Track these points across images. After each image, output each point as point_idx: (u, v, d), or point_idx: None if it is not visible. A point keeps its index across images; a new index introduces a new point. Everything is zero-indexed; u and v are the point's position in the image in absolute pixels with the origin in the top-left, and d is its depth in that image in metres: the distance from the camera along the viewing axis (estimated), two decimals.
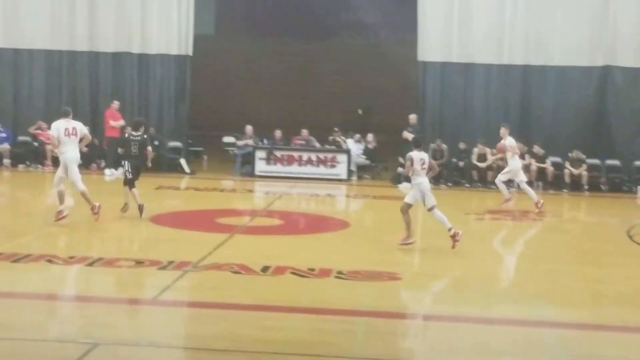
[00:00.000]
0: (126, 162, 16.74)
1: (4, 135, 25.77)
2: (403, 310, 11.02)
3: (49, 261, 12.23)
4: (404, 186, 23.70)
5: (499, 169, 24.17)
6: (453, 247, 13.86)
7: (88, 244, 14.53)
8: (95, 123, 25.43)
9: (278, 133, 26.16)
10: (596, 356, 9.13)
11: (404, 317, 10.63)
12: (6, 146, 25.59)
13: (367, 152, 26.42)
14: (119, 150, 17.25)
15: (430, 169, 14.34)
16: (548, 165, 24.47)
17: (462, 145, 24.94)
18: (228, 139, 27.50)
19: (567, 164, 24.43)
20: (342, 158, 25.48)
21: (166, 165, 25.51)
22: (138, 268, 12.13)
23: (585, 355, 9.14)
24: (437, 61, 25.52)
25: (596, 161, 24.90)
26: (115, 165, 24.52)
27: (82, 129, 16.00)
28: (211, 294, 11.00)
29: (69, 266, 12.17)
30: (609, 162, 25.01)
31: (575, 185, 24.24)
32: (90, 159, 24.66)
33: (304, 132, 26.45)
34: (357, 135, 26.84)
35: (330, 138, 26.57)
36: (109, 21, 26.05)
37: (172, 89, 26.31)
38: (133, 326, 9.69)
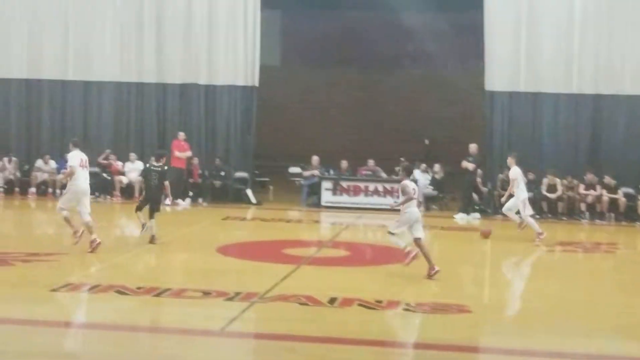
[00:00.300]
0: (144, 192, 17.16)
1: None
2: (473, 343, 10.77)
3: (118, 292, 12.25)
4: (460, 217, 23.44)
5: (570, 199, 23.86)
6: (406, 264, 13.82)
7: (156, 275, 14.55)
8: None
9: (344, 163, 26.10)
10: None
11: (474, 350, 10.39)
12: None
13: (434, 182, 26.15)
14: (140, 178, 17.64)
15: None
16: (620, 196, 23.94)
17: (530, 176, 24.48)
18: (294, 170, 27.54)
19: None
20: None
21: (232, 195, 25.62)
22: (205, 299, 12.10)
23: None
24: (504, 90, 25.28)
25: None
26: (183, 195, 24.76)
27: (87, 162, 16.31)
28: (278, 325, 10.90)
29: (138, 297, 12.17)
30: None
31: None
32: None
33: (370, 162, 26.36)
34: (423, 166, 26.64)
35: (397, 168, 26.37)
36: (176, 53, 26.35)
37: (239, 119, 26.45)
38: (201, 357, 9.61)
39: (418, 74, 36.55)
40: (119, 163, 25.71)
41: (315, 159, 26.30)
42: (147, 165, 17.91)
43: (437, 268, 13.87)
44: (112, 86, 26.67)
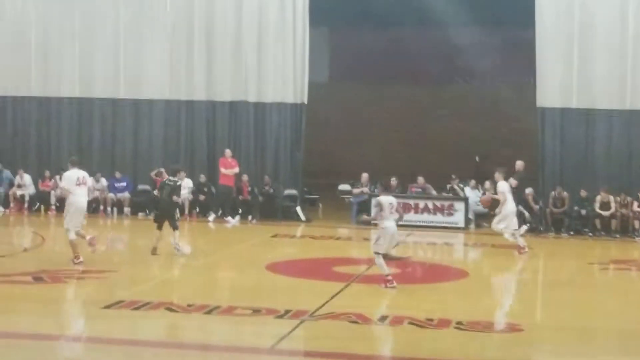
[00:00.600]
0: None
1: (124, 184, 26.35)
2: None
3: (169, 309, 12.28)
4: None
5: (623, 217, 23.51)
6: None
7: (205, 292, 14.54)
8: (212, 171, 25.83)
9: (394, 181, 25.97)
10: None
11: None
12: (126, 195, 26.17)
13: None
14: (155, 192, 17.95)
15: (398, 213, 14.60)
16: None
17: (583, 193, 24.19)
18: (343, 187, 27.48)
19: None
20: (459, 206, 25.16)
21: (282, 213, 25.63)
22: (255, 316, 12.07)
23: None
24: (557, 107, 24.98)
25: None
26: (232, 213, 24.87)
27: (87, 177, 16.60)
28: (328, 343, 10.83)
29: (188, 314, 12.19)
30: None
31: None
32: (207, 207, 25.13)
33: (420, 179, 26.20)
34: (473, 182, 26.43)
35: (448, 186, 26.24)
36: (226, 71, 26.45)
37: (288, 136, 26.48)
38: None
39: (468, 90, 36.33)
40: None
41: (364, 176, 26.23)
42: (164, 179, 18.19)
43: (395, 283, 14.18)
44: (162, 104, 26.82)
